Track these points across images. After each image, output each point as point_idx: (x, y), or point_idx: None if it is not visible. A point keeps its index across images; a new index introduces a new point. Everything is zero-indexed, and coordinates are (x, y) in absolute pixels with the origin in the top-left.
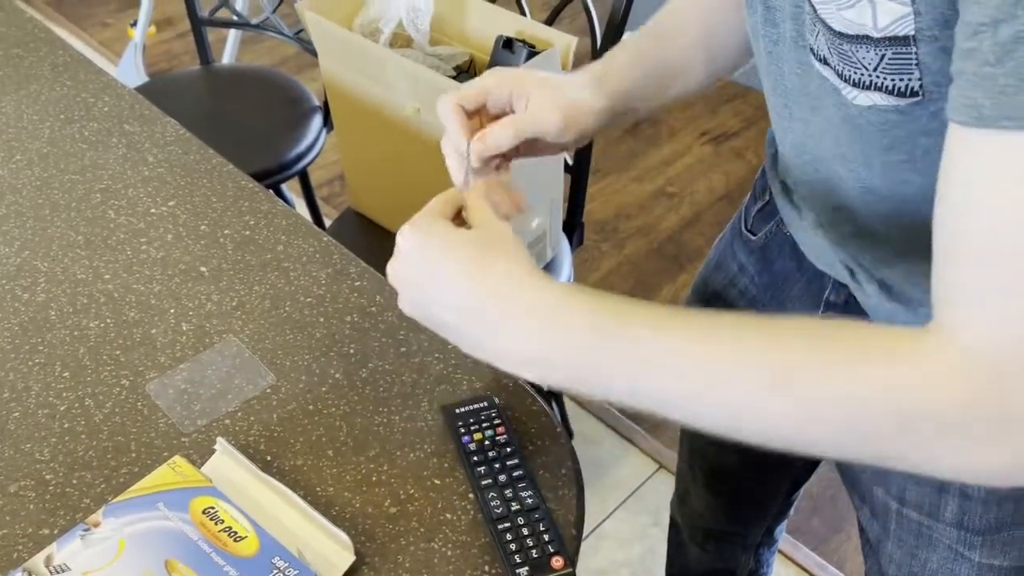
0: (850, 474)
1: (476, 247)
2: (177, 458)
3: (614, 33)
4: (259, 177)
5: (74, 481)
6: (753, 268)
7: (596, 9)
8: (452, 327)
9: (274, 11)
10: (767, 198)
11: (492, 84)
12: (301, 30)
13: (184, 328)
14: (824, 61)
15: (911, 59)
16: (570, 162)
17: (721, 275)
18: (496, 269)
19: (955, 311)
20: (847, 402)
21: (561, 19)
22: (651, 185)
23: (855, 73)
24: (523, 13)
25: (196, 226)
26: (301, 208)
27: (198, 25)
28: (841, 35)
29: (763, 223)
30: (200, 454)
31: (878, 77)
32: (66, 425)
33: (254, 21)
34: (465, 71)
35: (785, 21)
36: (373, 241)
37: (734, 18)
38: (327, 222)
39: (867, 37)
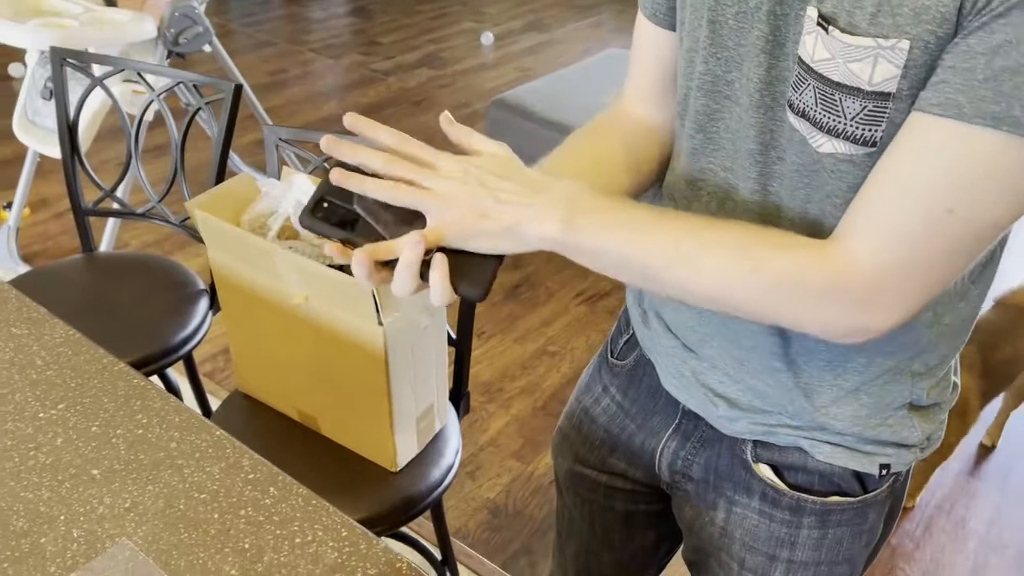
0: (692, 544)
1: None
2: None
3: None
4: (143, 364)
5: None
6: (616, 388)
7: None
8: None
9: (160, 201)
10: (631, 331)
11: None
12: (187, 218)
13: (75, 535)
14: (802, 114)
15: (884, 113)
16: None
17: (589, 396)
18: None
19: (859, 233)
20: (786, 274)
21: None
22: (533, 345)
23: (833, 120)
24: None
25: (87, 428)
26: (185, 390)
27: (82, 216)
28: (837, 85)
29: (630, 351)
30: None
31: (851, 126)
32: None
33: (139, 210)
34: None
35: (749, 92)
36: (262, 423)
37: (650, 139)
38: (213, 401)
39: (859, 89)
